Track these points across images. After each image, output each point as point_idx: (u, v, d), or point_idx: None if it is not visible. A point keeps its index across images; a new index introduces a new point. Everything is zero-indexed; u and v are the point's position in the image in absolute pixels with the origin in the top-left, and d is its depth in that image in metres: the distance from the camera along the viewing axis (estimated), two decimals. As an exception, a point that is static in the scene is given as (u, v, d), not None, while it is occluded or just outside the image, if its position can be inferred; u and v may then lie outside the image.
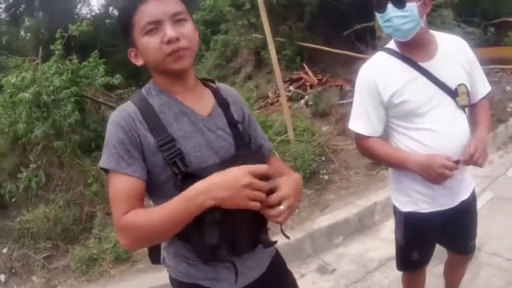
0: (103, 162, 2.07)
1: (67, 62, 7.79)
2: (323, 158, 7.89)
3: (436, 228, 3.28)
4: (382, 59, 3.08)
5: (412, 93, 2.92)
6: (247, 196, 1.91)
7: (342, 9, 12.59)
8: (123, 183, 2.03)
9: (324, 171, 7.71)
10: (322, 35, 13.46)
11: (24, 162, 6.95)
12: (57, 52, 7.71)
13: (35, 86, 6.81)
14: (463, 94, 2.98)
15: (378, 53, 3.16)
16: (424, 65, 2.94)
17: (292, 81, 12.40)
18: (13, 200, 6.76)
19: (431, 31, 3.04)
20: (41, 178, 6.55)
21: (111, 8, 30.55)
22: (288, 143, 7.94)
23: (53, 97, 6.78)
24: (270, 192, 2.01)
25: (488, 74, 13.32)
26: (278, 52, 11.92)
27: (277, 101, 8.98)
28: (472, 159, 2.86)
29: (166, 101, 2.18)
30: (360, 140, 3.20)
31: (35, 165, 6.66)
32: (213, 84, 2.43)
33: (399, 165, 3.06)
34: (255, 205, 1.94)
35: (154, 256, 2.48)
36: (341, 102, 10.26)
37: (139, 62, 2.19)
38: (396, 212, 3.38)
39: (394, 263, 3.72)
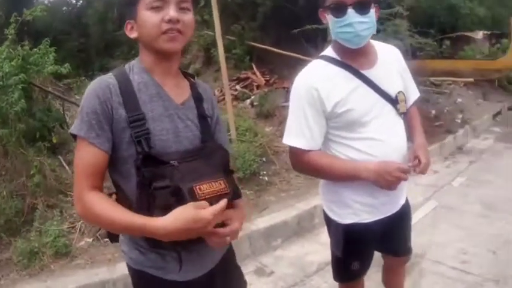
0: (74, 128, 2.14)
1: (19, 48, 7.64)
2: (264, 159, 7.98)
3: (376, 236, 3.28)
4: (321, 66, 3.00)
5: (355, 102, 2.89)
6: (200, 234, 2.05)
7: (295, 12, 12.67)
8: (89, 153, 2.11)
9: (265, 172, 7.79)
10: (273, 36, 13.54)
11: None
12: (10, 37, 7.56)
13: (-16, 71, 6.69)
14: (402, 101, 3.03)
15: (315, 60, 3.08)
16: (366, 72, 2.94)
17: (239, 81, 12.49)
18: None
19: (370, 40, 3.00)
20: (-16, 167, 6.39)
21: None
22: (230, 142, 7.84)
23: (1, 83, 6.65)
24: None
25: (440, 85, 13.76)
26: (228, 51, 12.09)
27: (223, 99, 9.04)
28: (422, 166, 2.94)
29: (146, 80, 2.25)
30: (297, 155, 3.05)
31: (-22, 153, 6.49)
32: (192, 79, 2.50)
33: (348, 175, 2.95)
34: (204, 236, 2.10)
35: (112, 235, 2.48)
36: (286, 104, 10.19)
37: (133, 35, 2.25)
38: (332, 224, 3.29)
39: (332, 268, 3.77)
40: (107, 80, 2.19)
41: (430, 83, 13.43)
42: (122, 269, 5.04)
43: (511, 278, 5.01)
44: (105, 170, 2.18)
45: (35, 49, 7.93)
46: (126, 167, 2.15)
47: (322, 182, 3.35)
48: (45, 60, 7.85)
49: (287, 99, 10.42)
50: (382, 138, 2.94)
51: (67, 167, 7.27)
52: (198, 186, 2.03)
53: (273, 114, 10.12)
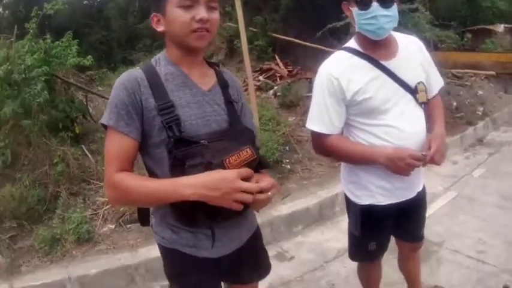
0: (104, 119, 2.28)
1: (41, 41, 7.74)
2: (287, 148, 8.03)
3: (392, 219, 3.41)
4: (344, 57, 3.12)
5: (375, 91, 3.00)
6: (234, 199, 2.10)
7: (318, 3, 12.62)
8: (119, 141, 2.24)
9: (287, 160, 7.84)
10: (295, 28, 13.48)
11: (-7, 140, 6.96)
12: (31, 31, 7.65)
13: (8, 64, 6.78)
14: (422, 91, 3.13)
15: (338, 51, 3.19)
16: (386, 63, 3.05)
17: (262, 72, 12.46)
18: (-21, 179, 6.74)
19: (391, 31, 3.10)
20: (7, 157, 6.53)
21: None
22: None
23: (23, 75, 6.75)
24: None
25: (462, 77, 13.65)
26: (251, 42, 12.01)
27: (246, 89, 9.06)
28: (433, 156, 2.96)
29: (173, 71, 2.38)
30: (318, 138, 3.19)
31: (2, 144, 6.64)
32: (217, 67, 2.64)
33: (365, 159, 3.11)
34: (238, 207, 2.14)
35: (143, 219, 2.65)
36: (309, 94, 10.14)
37: (160, 28, 2.37)
38: (351, 205, 3.45)
39: (351, 254, 3.80)
40: (134, 73, 2.33)
41: (452, 75, 13.32)
42: (144, 254, 5.25)
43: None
44: (134, 157, 2.30)
45: (58, 42, 8.03)
46: (158, 152, 2.28)
47: (343, 164, 3.51)
48: (68, 53, 7.95)
49: (310, 90, 10.35)
50: (401, 126, 3.04)
51: (90, 156, 7.38)
52: (227, 160, 2.16)
53: (296, 104, 10.14)
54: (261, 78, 12.11)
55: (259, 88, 11.51)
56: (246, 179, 2.16)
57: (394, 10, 2.91)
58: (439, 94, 3.43)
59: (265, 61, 13.07)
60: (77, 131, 7.76)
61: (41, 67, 6.92)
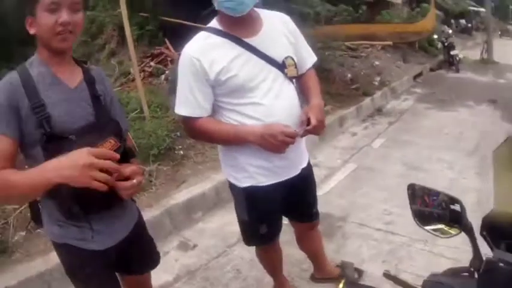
0: None
1: None
2: (178, 134, 7.86)
3: (278, 199, 3.36)
4: (204, 37, 3.05)
5: (239, 69, 2.96)
6: (91, 176, 2.12)
7: (205, -17, 12.49)
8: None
9: (180, 146, 7.70)
10: (185, 9, 13.37)
11: None
12: None
13: None
14: (290, 66, 3.09)
15: (200, 33, 3.11)
16: (249, 40, 2.99)
17: (153, 57, 12.44)
18: None
19: (255, 8, 3.06)
20: None
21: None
22: (144, 120, 7.96)
23: None
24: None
25: (356, 49, 13.82)
26: (141, 28, 12.46)
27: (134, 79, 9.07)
28: (312, 126, 2.95)
29: (43, 71, 2.46)
30: (188, 123, 3.16)
31: None
32: (84, 65, 2.73)
33: (237, 139, 3.06)
34: (99, 185, 2.14)
35: (36, 218, 2.73)
36: None
37: (32, 30, 2.42)
38: (234, 188, 3.40)
39: (252, 238, 3.78)
40: (10, 76, 2.40)
41: (346, 48, 13.55)
42: (55, 258, 4.93)
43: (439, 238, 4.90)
44: (14, 156, 2.35)
45: None
46: (35, 151, 2.37)
47: (219, 148, 3.46)
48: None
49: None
50: (270, 103, 3.01)
51: None
52: None
53: None
54: (152, 63, 12.09)
55: (151, 74, 11.53)
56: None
57: None
58: (312, 68, 3.44)
59: (156, 46, 13.01)
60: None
61: None
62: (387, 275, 1.95)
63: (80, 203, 2.33)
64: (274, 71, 3.04)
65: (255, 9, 3.05)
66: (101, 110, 2.61)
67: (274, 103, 3.00)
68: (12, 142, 2.31)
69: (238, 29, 2.99)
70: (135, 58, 8.45)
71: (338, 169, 7.29)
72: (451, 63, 17.91)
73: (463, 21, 38.41)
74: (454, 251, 4.54)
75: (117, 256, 2.73)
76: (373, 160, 7.70)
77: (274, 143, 2.88)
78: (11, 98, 2.31)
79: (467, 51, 23.41)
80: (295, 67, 3.13)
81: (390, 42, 14.91)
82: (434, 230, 1.89)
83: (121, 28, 13.40)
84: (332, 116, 9.49)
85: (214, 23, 3.08)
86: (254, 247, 3.90)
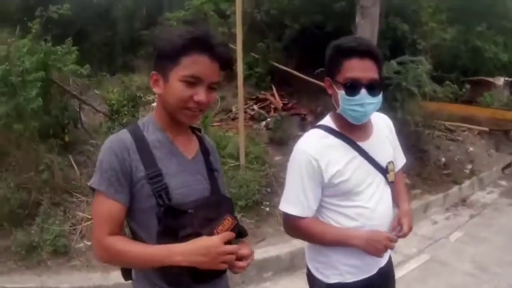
0: (94, 183, 2.30)
1: (42, 43, 7.71)
2: (268, 189, 7.90)
3: None
4: (321, 136, 3.05)
5: (351, 173, 2.95)
6: (222, 261, 2.22)
7: (322, 38, 12.71)
8: (109, 206, 2.27)
9: (267, 203, 7.74)
10: (296, 60, 13.56)
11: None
12: (34, 31, 7.67)
13: (6, 64, 6.78)
14: (391, 171, 3.14)
15: (314, 130, 3.14)
16: (362, 144, 3.02)
17: (258, 101, 12.50)
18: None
19: None
20: (-6, 154, 6.50)
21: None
22: (238, 168, 7.95)
23: (20, 78, 6.75)
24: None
25: (454, 131, 13.61)
26: (250, 68, 12.27)
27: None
28: (404, 234, 3.07)
29: (160, 139, 2.41)
30: (293, 221, 3.10)
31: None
32: (198, 133, 2.70)
33: (340, 242, 3.03)
34: (224, 266, 2.27)
35: (126, 273, 2.65)
36: (300, 133, 10.10)
37: (156, 90, 2.37)
38: (316, 283, 3.32)
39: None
40: (123, 138, 2.34)
41: (445, 128, 13.43)
42: (115, 278, 5.19)
43: None
44: (123, 220, 2.34)
45: (58, 47, 8.00)
46: (144, 217, 2.33)
47: (308, 245, 3.42)
48: (67, 58, 7.95)
49: (302, 128, 10.42)
50: (372, 207, 3.02)
51: (76, 168, 7.36)
52: (215, 230, 2.26)
53: (286, 142, 9.84)
54: (255, 107, 12.13)
55: (252, 118, 11.54)
56: (228, 241, 2.27)
57: (380, 97, 2.90)
58: (401, 170, 3.47)
59: (262, 89, 13.10)
60: (66, 139, 7.77)
61: (38, 71, 6.91)
62: None
63: (191, 274, 2.27)
64: (379, 176, 3.06)
65: None
66: (215, 184, 2.58)
67: (376, 208, 3.02)
68: (123, 208, 2.30)
69: (353, 131, 3.00)
70: (242, 98, 8.46)
71: (412, 257, 7.27)
72: (543, 157, 17.14)
73: None
74: None
75: None
76: (447, 254, 7.59)
77: (379, 247, 2.90)
78: (124, 162, 2.27)
79: None
80: (394, 172, 3.18)
81: (487, 129, 14.76)
82: None
83: (230, 63, 13.84)
84: (418, 201, 9.40)
85: (328, 120, 3.09)
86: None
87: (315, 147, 2.97)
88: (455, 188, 10.79)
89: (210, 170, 2.58)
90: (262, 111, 11.88)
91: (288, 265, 6.54)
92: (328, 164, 2.93)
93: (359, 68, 2.80)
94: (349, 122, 2.96)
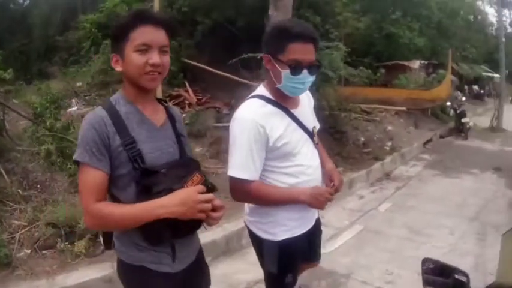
0: (79, 157, 2.51)
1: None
2: None
3: (305, 246, 3.57)
4: (261, 105, 3.26)
5: (290, 137, 3.23)
6: (199, 209, 2.44)
7: (233, 33, 12.74)
8: (94, 175, 2.48)
9: None
10: (208, 55, 13.58)
11: None
12: None
13: None
14: (316, 134, 3.50)
15: (253, 99, 3.33)
16: (294, 111, 3.31)
17: (171, 98, 12.54)
18: None
19: None
20: None
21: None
22: None
23: None
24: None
25: (371, 113, 13.96)
26: None
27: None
28: (336, 186, 3.43)
29: (131, 110, 2.63)
30: (241, 185, 3.25)
31: None
32: (164, 103, 2.94)
33: (288, 199, 3.30)
34: (202, 216, 2.50)
35: (107, 242, 2.87)
36: (217, 125, 10.46)
37: (118, 68, 2.60)
38: (265, 244, 3.50)
39: (262, 286, 3.80)
40: (99, 114, 2.54)
41: (361, 110, 13.76)
42: (61, 282, 5.18)
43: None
44: (106, 187, 2.54)
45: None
46: (123, 182, 2.55)
47: (251, 207, 3.58)
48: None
49: (218, 120, 10.44)
50: (308, 164, 3.36)
51: (5, 176, 6.92)
52: (186, 185, 2.50)
53: (204, 134, 10.17)
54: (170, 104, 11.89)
55: None
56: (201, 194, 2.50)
57: (315, 75, 3.20)
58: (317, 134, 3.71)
59: (175, 87, 13.21)
60: (-8, 148, 7.41)
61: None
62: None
63: (171, 228, 2.50)
64: (308, 138, 3.38)
65: None
66: (183, 148, 2.81)
67: (312, 164, 3.37)
68: (105, 175, 2.49)
69: (287, 101, 3.28)
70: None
71: (345, 229, 7.44)
72: (461, 130, 17.96)
73: (476, 87, 38.49)
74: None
75: (183, 278, 2.86)
76: (379, 223, 7.83)
77: (322, 200, 3.21)
78: (102, 134, 2.47)
79: (478, 117, 23.50)
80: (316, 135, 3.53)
81: (404, 108, 15.05)
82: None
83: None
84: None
85: (263, 90, 3.34)
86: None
87: (259, 115, 3.19)
88: (378, 164, 11.13)
89: (178, 136, 2.80)
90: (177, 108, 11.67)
91: (224, 248, 6.64)
92: (271, 129, 3.18)
93: (302, 51, 3.08)
94: (284, 93, 3.23)
